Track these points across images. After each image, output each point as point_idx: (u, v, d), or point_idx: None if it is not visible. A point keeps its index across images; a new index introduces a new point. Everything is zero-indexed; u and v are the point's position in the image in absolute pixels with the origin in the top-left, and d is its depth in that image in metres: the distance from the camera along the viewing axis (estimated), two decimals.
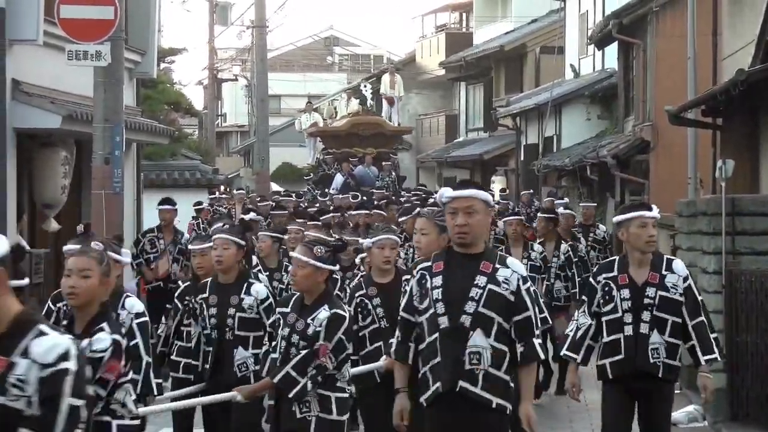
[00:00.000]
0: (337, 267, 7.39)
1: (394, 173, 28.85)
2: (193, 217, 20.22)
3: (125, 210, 15.81)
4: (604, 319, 7.37)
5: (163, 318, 9.24)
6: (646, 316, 7.24)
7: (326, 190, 27.21)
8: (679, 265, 7.43)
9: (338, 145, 30.04)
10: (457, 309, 6.02)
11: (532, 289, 6.15)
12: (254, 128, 35.86)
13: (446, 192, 6.17)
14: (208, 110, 46.62)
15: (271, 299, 8.35)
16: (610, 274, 7.40)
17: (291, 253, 8.34)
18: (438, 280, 6.11)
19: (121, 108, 14.61)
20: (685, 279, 7.30)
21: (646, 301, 7.26)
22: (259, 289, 8.41)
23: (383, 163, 28.68)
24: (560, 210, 15.22)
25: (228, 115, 63.12)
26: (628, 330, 7.27)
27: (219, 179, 28.17)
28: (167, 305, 9.61)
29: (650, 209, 7.47)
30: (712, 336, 7.35)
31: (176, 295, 9.13)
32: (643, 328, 7.24)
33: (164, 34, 54.60)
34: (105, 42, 13.89)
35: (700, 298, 7.40)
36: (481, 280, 6.04)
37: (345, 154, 29.31)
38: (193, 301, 8.66)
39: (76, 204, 17.07)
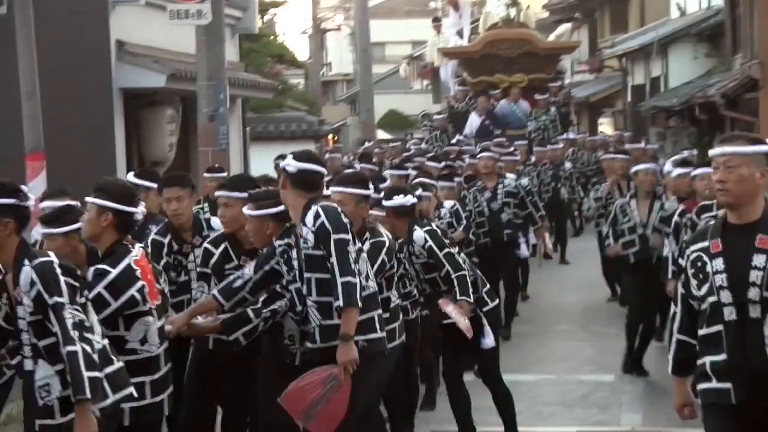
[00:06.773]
0: None
1: (553, 109, 21.88)
2: None
3: (232, 165, 16.00)
4: None
5: None
6: None
7: (458, 135, 21.43)
8: None
9: (473, 72, 22.63)
10: None
11: None
12: (359, 77, 35.85)
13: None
14: (312, 60, 46.83)
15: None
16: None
17: None
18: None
19: (223, 65, 14.75)
20: None
21: None
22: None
23: (537, 97, 21.90)
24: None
25: (333, 64, 63.28)
26: None
27: (325, 130, 28.29)
28: None
29: None
30: None
31: None
32: None
33: None
34: (205, 0, 14.05)
35: None
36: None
37: (482, 84, 22.40)
38: None
39: (185, 160, 17.33)
